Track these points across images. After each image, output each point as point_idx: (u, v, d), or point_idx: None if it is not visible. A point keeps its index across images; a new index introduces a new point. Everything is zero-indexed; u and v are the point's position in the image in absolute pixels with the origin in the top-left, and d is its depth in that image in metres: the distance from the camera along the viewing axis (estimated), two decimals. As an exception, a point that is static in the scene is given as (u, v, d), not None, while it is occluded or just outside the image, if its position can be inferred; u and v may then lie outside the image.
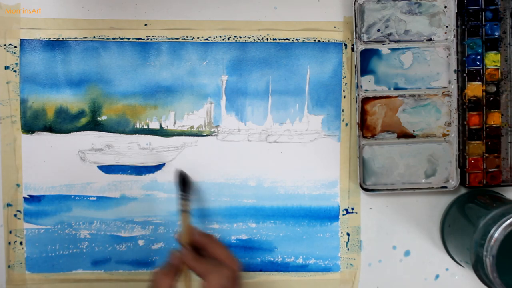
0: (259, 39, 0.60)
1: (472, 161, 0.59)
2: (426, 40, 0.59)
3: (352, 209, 0.61)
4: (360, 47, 0.59)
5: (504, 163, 0.59)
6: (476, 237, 0.52)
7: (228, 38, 0.60)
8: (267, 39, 0.60)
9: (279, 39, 0.60)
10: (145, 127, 0.60)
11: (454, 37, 0.59)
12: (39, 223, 0.60)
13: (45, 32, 0.59)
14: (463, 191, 0.61)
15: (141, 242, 0.61)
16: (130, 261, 0.61)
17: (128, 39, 0.60)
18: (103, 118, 0.60)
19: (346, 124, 0.61)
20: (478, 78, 0.58)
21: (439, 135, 0.60)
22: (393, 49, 0.59)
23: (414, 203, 0.61)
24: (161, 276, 0.50)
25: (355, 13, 0.58)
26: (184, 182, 0.58)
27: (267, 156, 0.61)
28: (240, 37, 0.60)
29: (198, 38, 0.60)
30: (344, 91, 0.60)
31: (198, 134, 0.60)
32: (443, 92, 0.59)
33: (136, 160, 0.60)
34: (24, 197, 0.60)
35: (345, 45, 0.60)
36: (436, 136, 0.60)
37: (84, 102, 0.60)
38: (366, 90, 0.59)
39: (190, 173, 0.60)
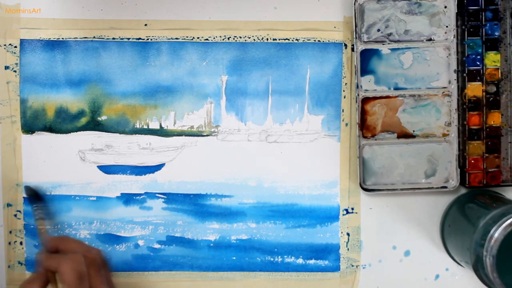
0: (259, 39, 0.60)
1: (472, 161, 0.59)
2: (426, 40, 0.59)
3: (352, 209, 0.61)
4: (360, 47, 0.59)
5: (504, 163, 0.59)
6: (476, 237, 0.52)
7: (228, 38, 0.60)
8: (267, 39, 0.60)
9: (279, 39, 0.60)
10: (145, 127, 0.60)
11: (454, 37, 0.59)
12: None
13: (45, 32, 0.59)
14: (463, 191, 0.61)
15: (141, 242, 0.61)
16: (130, 261, 0.61)
17: (128, 39, 0.60)
18: (103, 118, 0.60)
19: (346, 124, 0.61)
20: (478, 78, 0.58)
21: (439, 135, 0.60)
22: (393, 49, 0.59)
23: (414, 203, 0.61)
24: (26, 286, 0.50)
25: (355, 13, 0.58)
26: (35, 195, 0.59)
27: (267, 156, 0.61)
28: (240, 37, 0.60)
29: (198, 38, 0.60)
30: (344, 91, 0.60)
31: (198, 134, 0.60)
32: (443, 92, 0.59)
33: (136, 160, 0.60)
34: (24, 197, 0.60)
35: (345, 45, 0.60)
36: (436, 136, 0.60)
37: (84, 102, 0.60)
38: (366, 90, 0.59)
39: (188, 174, 0.60)
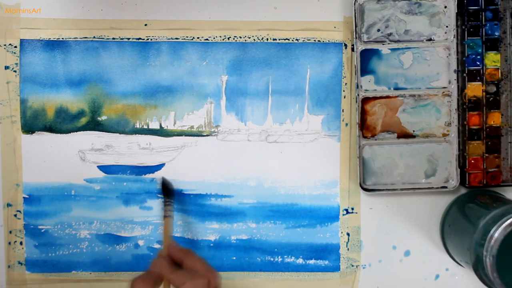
0: (259, 39, 0.60)
1: (472, 161, 0.59)
2: (426, 40, 0.59)
3: (352, 209, 0.61)
4: (360, 47, 0.59)
5: (504, 163, 0.59)
6: (476, 237, 0.52)
7: (228, 38, 0.60)
8: (267, 39, 0.60)
9: (279, 39, 0.60)
10: (145, 127, 0.60)
11: (454, 37, 0.59)
12: (39, 223, 0.60)
13: (45, 32, 0.59)
14: (463, 191, 0.61)
15: (141, 242, 0.61)
16: (130, 261, 0.61)
17: (128, 39, 0.60)
18: (103, 118, 0.60)
19: (346, 124, 0.61)
20: (478, 78, 0.58)
21: (439, 135, 0.60)
22: (393, 49, 0.59)
23: (414, 203, 0.61)
24: (140, 283, 0.49)
25: (355, 13, 0.58)
26: (166, 188, 0.58)
27: (267, 156, 0.61)
28: (240, 37, 0.60)
29: (198, 38, 0.60)
30: (344, 91, 0.60)
31: (198, 134, 0.60)
32: (443, 92, 0.59)
33: (136, 160, 0.60)
34: (24, 197, 0.60)
35: (345, 45, 0.60)
36: (436, 136, 0.60)
37: (84, 102, 0.60)
38: (366, 90, 0.59)
39: (188, 174, 0.60)
